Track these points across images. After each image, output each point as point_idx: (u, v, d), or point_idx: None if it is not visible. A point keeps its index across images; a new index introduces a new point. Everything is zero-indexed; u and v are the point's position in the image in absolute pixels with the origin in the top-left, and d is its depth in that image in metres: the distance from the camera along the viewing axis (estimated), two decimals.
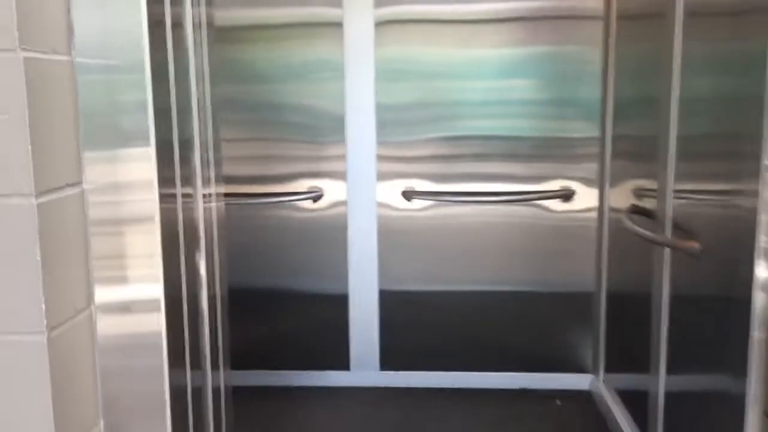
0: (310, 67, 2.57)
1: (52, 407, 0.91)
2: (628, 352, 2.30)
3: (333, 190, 2.63)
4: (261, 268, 2.67)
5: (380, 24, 2.55)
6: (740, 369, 1.41)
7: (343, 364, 2.69)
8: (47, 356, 0.90)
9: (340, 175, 2.61)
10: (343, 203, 2.63)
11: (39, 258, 0.88)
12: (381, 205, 2.63)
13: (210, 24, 1.39)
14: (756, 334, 1.36)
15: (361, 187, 2.63)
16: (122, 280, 1.06)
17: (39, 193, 0.88)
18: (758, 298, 1.34)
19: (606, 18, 2.49)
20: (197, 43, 1.30)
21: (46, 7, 0.90)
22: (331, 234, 2.66)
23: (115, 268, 1.05)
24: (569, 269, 2.63)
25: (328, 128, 2.59)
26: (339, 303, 2.68)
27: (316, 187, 2.61)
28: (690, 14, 1.78)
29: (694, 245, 1.62)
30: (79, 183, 0.98)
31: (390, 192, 2.62)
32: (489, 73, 2.57)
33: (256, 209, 2.64)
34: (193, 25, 1.29)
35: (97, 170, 1.01)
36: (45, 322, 0.89)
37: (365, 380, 2.67)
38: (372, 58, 2.56)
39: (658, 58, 1.93)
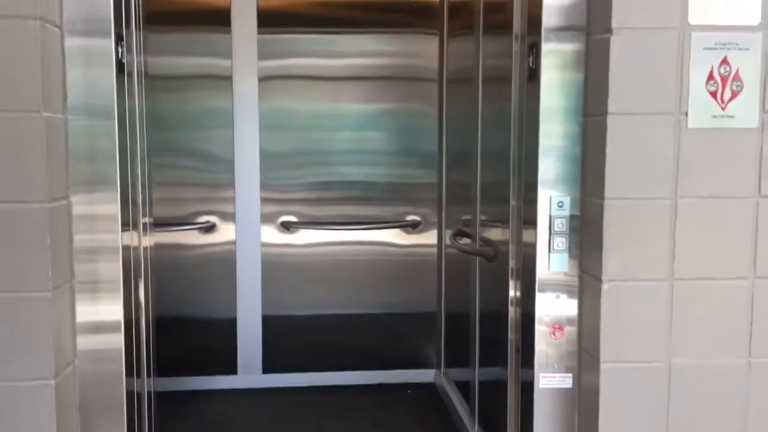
0: (204, 115, 3.07)
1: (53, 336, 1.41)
2: (459, 351, 2.93)
3: (223, 231, 3.14)
4: (163, 297, 3.12)
5: (263, 79, 3.08)
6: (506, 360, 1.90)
7: (232, 370, 3.18)
8: (49, 307, 1.40)
9: (230, 217, 3.14)
10: (233, 242, 3.14)
11: (50, 242, 1.39)
12: (264, 244, 3.14)
13: (146, 72, 1.81)
14: (511, 336, 1.87)
15: (247, 227, 3.13)
16: (93, 301, 1.54)
17: (49, 201, 1.40)
18: (511, 311, 1.86)
19: (440, 81, 3.14)
20: (140, 91, 1.71)
21: (54, 82, 1.43)
22: (222, 269, 3.14)
23: (88, 290, 1.53)
24: (417, 293, 3.26)
25: (219, 172, 3.13)
26: (229, 325, 3.17)
27: (209, 221, 3.12)
28: (485, 80, 2.37)
29: (490, 251, 2.28)
30: (66, 198, 1.50)
31: (271, 230, 3.17)
32: (351, 125, 3.17)
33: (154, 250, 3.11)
34: (137, 73, 1.71)
35: (78, 206, 1.52)
36: (51, 283, 1.40)
37: (251, 383, 3.17)
38: (257, 109, 3.10)
39: (470, 116, 2.52)
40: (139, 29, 1.73)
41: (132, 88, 1.68)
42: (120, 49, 1.53)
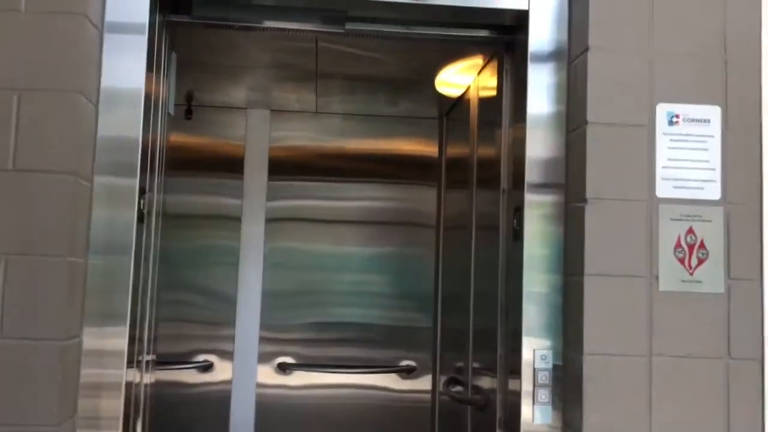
0: (212, 253, 3.22)
1: None
2: None
3: (220, 370, 3.19)
4: None
5: (270, 221, 3.28)
6: None
7: None
8: None
9: (228, 355, 3.19)
10: (228, 382, 3.18)
11: (59, 378, 1.47)
12: (259, 385, 3.18)
13: (164, 212, 1.92)
14: None
15: (244, 368, 3.17)
16: None
17: (64, 339, 1.50)
18: None
19: (437, 227, 3.32)
20: (156, 230, 1.83)
21: (80, 231, 1.57)
22: (216, 409, 3.14)
23: (89, 426, 1.59)
24: None
25: (221, 311, 3.22)
26: None
27: (207, 360, 3.18)
28: (477, 228, 2.51)
29: (481, 400, 2.33)
30: (79, 336, 1.60)
31: (267, 371, 3.21)
32: (351, 268, 3.30)
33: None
34: (155, 213, 1.83)
35: (87, 340, 1.62)
36: (57, 418, 1.46)
37: None
38: (262, 249, 3.26)
39: (463, 263, 2.63)
40: (162, 174, 1.89)
41: (150, 228, 1.81)
42: (142, 201, 1.68)
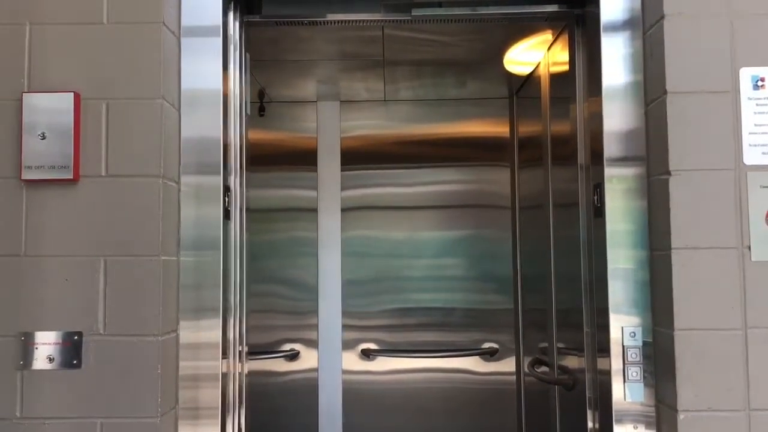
0: (291, 244, 3.30)
1: None
2: None
3: (306, 358, 3.27)
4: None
5: (345, 210, 3.34)
6: None
7: None
8: None
9: (313, 344, 3.27)
10: (315, 370, 3.26)
11: (160, 372, 1.55)
12: (345, 371, 3.24)
13: (248, 207, 1.97)
14: None
15: (329, 355, 3.24)
16: (194, 428, 1.67)
17: (162, 334, 1.57)
18: None
19: (513, 207, 3.29)
20: (242, 224, 1.89)
21: (170, 229, 1.64)
22: (304, 396, 3.23)
23: (190, 417, 1.68)
24: (497, 423, 3.24)
25: (304, 300, 3.30)
26: None
27: (293, 348, 3.27)
28: (555, 206, 2.48)
29: (569, 380, 2.32)
30: (176, 330, 1.67)
31: (352, 357, 3.27)
32: (428, 253, 3.31)
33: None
34: (239, 209, 1.89)
35: (183, 334, 1.70)
36: (159, 410, 1.54)
37: None
38: (339, 238, 3.32)
39: (542, 242, 2.62)
40: (243, 171, 1.95)
41: (235, 223, 1.87)
42: (227, 198, 1.74)
